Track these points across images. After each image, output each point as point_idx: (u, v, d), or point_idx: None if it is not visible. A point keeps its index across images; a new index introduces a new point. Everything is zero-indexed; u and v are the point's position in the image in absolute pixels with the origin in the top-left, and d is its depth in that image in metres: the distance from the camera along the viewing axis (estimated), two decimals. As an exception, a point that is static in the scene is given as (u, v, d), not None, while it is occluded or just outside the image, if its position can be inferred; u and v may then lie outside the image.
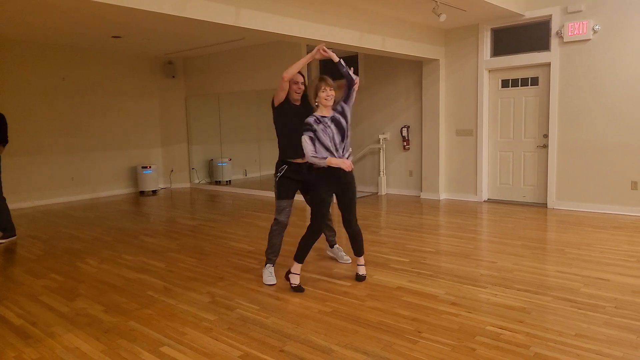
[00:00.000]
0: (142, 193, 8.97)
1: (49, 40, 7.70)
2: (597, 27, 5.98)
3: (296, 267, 3.68)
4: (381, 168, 8.22)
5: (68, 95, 8.25)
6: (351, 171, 3.66)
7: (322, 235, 4.92)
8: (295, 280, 3.65)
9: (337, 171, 3.57)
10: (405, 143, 7.96)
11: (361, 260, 3.87)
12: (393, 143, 8.17)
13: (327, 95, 3.51)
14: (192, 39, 7.72)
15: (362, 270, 3.86)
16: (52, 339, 2.89)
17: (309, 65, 8.87)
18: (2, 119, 5.32)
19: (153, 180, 9.00)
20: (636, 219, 5.77)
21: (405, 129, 7.92)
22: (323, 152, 3.53)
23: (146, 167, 8.90)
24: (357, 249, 3.82)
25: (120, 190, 9.09)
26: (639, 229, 5.27)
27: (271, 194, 8.31)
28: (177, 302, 3.45)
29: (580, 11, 6.07)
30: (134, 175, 9.22)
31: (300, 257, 3.67)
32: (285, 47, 7.81)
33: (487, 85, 7.11)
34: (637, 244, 4.65)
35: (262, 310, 3.26)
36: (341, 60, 3.60)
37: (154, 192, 9.07)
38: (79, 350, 2.74)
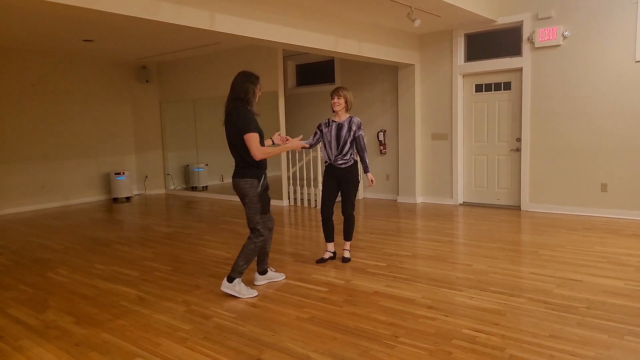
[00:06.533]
0: (115, 200, 8.80)
1: (16, 44, 7.50)
2: (566, 32, 6.13)
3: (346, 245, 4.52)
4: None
5: (38, 101, 8.05)
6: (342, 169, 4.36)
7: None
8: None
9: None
10: (381, 147, 8.00)
11: (346, 245, 4.53)
12: (370, 147, 8.20)
13: (333, 102, 4.30)
14: (166, 43, 7.63)
15: (345, 254, 4.49)
16: (20, 354, 2.80)
17: (285, 72, 8.85)
18: None
19: (127, 186, 8.83)
20: (606, 220, 5.91)
21: (382, 133, 7.97)
22: (325, 151, 4.36)
23: (119, 174, 8.73)
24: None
25: (93, 197, 8.89)
26: (610, 230, 5.40)
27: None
28: (151, 312, 3.38)
29: (550, 17, 6.21)
30: (107, 182, 9.03)
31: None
32: (261, 51, 7.78)
33: (462, 90, 7.21)
34: (608, 245, 4.76)
35: (238, 319, 3.21)
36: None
37: (128, 199, 8.90)
38: (49, 364, 2.65)
